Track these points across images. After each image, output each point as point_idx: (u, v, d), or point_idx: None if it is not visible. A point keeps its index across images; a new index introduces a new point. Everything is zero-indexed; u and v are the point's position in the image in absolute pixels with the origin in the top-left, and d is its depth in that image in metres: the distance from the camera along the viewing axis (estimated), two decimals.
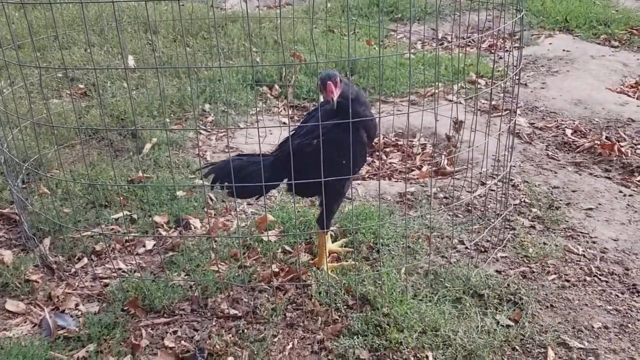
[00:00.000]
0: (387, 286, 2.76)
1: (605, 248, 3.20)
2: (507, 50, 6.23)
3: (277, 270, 2.96)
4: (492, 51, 6.48)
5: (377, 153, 4.31)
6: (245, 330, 2.59)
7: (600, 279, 2.97)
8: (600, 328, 2.64)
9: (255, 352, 2.47)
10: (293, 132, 2.73)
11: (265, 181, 2.56)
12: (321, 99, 2.62)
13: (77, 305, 2.78)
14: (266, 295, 2.80)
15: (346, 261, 3.01)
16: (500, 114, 4.69)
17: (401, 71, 5.30)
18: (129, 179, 3.74)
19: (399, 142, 4.43)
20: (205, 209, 3.50)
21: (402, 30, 7.14)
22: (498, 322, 2.63)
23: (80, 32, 6.03)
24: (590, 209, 3.58)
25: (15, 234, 3.31)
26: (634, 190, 3.81)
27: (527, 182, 3.85)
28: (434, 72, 5.41)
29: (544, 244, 3.21)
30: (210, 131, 4.62)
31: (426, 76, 5.35)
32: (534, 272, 2.99)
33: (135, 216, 3.41)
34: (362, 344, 2.50)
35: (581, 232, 3.34)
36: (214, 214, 3.50)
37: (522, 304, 2.75)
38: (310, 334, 2.59)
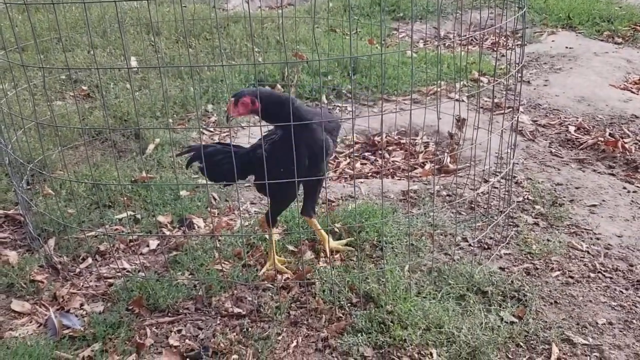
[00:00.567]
0: (391, 284, 2.76)
1: (609, 244, 3.20)
2: (509, 48, 6.23)
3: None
4: (495, 49, 6.48)
5: (380, 151, 4.31)
6: (250, 329, 2.60)
7: (604, 275, 2.96)
8: (604, 324, 2.64)
9: (260, 351, 2.47)
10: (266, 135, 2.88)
11: (234, 171, 2.60)
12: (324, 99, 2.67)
13: (82, 305, 2.79)
14: (270, 294, 2.81)
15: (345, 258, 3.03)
16: (502, 111, 4.68)
17: (403, 70, 5.30)
18: (133, 179, 3.75)
19: (402, 141, 4.43)
20: (209, 209, 3.50)
21: (404, 29, 7.14)
22: (502, 319, 2.63)
23: (83, 34, 6.05)
24: (594, 205, 3.58)
25: (20, 234, 3.33)
26: (637, 187, 3.80)
27: (530, 179, 3.85)
28: (436, 71, 5.40)
29: (548, 240, 3.20)
30: (213, 131, 4.63)
31: (428, 74, 5.35)
32: (537, 268, 2.99)
33: (139, 216, 3.42)
34: (366, 342, 2.50)
35: (585, 229, 3.33)
36: (217, 214, 3.51)
37: (526, 300, 2.75)
38: (314, 332, 2.60)
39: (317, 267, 2.96)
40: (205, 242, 3.19)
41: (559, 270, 2.98)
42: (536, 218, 3.43)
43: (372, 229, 3.20)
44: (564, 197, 3.66)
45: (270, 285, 2.86)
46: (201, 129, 4.58)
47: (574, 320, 2.66)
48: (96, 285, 2.93)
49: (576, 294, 2.82)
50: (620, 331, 2.60)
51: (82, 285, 2.92)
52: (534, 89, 5.52)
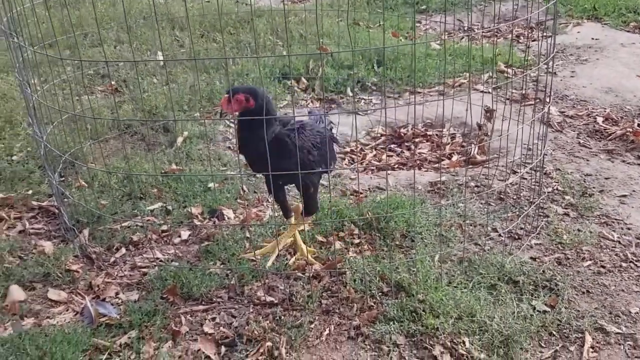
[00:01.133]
0: (422, 273, 2.77)
1: None
2: (534, 40, 6.19)
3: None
4: (522, 40, 6.43)
5: (406, 143, 4.32)
6: (282, 317, 2.63)
7: (636, 264, 2.94)
8: (637, 313, 2.62)
9: (293, 338, 2.50)
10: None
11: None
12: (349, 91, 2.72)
13: (117, 293, 2.84)
14: (301, 283, 2.84)
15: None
16: (529, 103, 4.66)
17: (428, 62, 5.29)
18: (163, 171, 3.80)
19: (428, 132, 4.42)
20: (238, 200, 3.54)
21: (428, 22, 7.12)
22: (534, 308, 2.63)
23: (109, 29, 6.12)
24: (624, 195, 3.55)
25: (54, 225, 3.39)
26: None
27: (559, 169, 3.83)
28: (462, 63, 5.39)
29: (578, 230, 3.19)
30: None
31: (455, 66, 5.33)
32: (568, 258, 2.98)
33: (170, 207, 3.47)
34: (399, 330, 2.52)
35: (615, 219, 3.31)
36: (247, 205, 3.55)
37: (557, 290, 2.74)
38: (346, 320, 2.62)
39: (347, 257, 2.98)
40: (235, 233, 3.22)
41: (590, 260, 2.97)
42: (566, 208, 3.41)
43: (400, 219, 3.21)
44: (593, 187, 3.63)
45: (301, 275, 2.89)
46: (230, 120, 4.62)
47: (607, 310, 2.65)
48: (130, 275, 2.98)
49: (608, 284, 2.81)
50: None
51: (117, 275, 2.98)
52: (561, 80, 5.47)
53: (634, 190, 3.60)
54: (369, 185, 3.71)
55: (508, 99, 4.72)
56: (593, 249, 3.04)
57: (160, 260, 3.04)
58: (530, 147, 3.55)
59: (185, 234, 3.27)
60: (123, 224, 3.31)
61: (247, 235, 3.22)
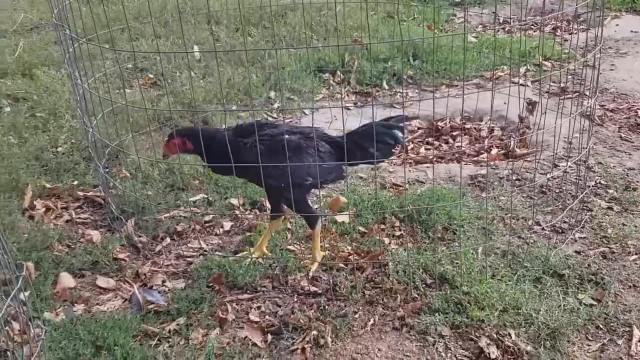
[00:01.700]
0: (465, 266, 2.78)
1: None
2: (571, 33, 6.10)
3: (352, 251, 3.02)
4: (559, 33, 6.34)
5: (444, 137, 4.31)
6: (327, 307, 2.65)
7: None
8: None
9: (338, 327, 2.53)
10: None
11: None
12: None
13: (163, 281, 2.90)
14: (344, 274, 2.86)
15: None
16: (569, 96, 4.60)
17: (465, 55, 5.26)
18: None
19: (466, 126, 4.40)
20: None
21: (462, 15, 7.06)
22: (580, 302, 2.62)
23: (146, 24, 6.21)
24: None
25: (99, 215, 3.47)
26: None
27: (601, 163, 3.78)
28: (500, 56, 5.35)
29: (623, 224, 3.15)
30: (276, 117, 4.69)
31: (491, 59, 5.29)
32: (614, 252, 2.95)
33: (211, 199, 3.52)
34: (444, 321, 2.53)
35: None
36: None
37: (604, 283, 2.72)
38: (390, 311, 2.64)
39: (389, 248, 2.99)
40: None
41: (636, 254, 2.94)
42: (610, 202, 3.37)
43: (442, 212, 3.21)
44: (637, 181, 3.58)
45: (343, 266, 2.91)
46: (266, 115, 4.66)
47: None
48: (176, 264, 3.03)
49: None
50: None
51: (162, 264, 3.04)
52: (600, 73, 5.34)
53: None
54: (408, 178, 3.71)
55: (547, 92, 4.67)
56: (639, 243, 3.01)
57: (205, 250, 3.09)
58: (571, 140, 3.52)
59: (227, 224, 3.32)
60: (167, 215, 3.37)
61: (289, 226, 3.26)
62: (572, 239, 3.06)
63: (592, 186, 3.52)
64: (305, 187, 2.76)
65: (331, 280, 2.81)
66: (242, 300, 2.74)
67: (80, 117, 3.50)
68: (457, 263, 2.82)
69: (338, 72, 5.33)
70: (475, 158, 3.98)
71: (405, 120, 2.89)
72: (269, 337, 2.53)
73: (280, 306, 2.70)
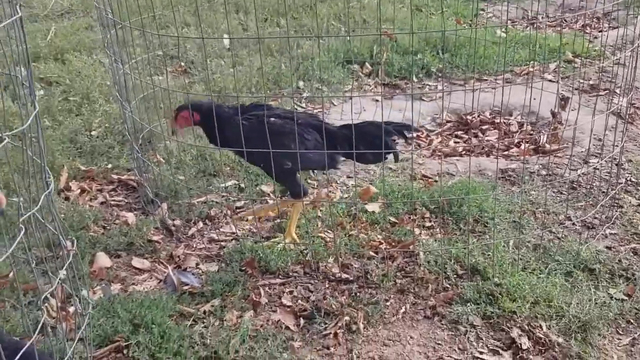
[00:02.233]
0: (497, 257, 2.80)
1: None
2: (600, 30, 6.05)
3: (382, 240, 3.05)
4: (588, 30, 6.30)
5: (473, 130, 4.31)
6: (358, 294, 2.69)
7: None
8: None
9: (370, 314, 2.57)
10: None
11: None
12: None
13: (197, 264, 2.95)
14: (375, 262, 2.89)
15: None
16: (600, 94, 4.58)
17: (494, 50, 5.25)
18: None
19: (496, 120, 4.40)
20: (308, 180, 3.61)
21: (491, 9, 7.03)
22: (611, 296, 2.63)
23: (176, 12, 6.26)
24: None
25: (133, 198, 3.53)
26: None
27: (631, 161, 3.77)
28: (529, 51, 5.33)
29: None
30: (305, 107, 4.73)
31: (521, 54, 5.27)
32: None
33: (242, 185, 3.57)
34: (475, 311, 2.56)
35: None
36: (317, 185, 3.62)
37: (634, 279, 2.73)
38: (422, 300, 2.67)
39: (420, 239, 3.02)
40: (307, 212, 3.30)
41: None
42: None
43: (473, 204, 3.22)
44: None
45: (374, 255, 2.94)
46: (295, 104, 4.69)
47: None
48: (209, 247, 3.09)
49: None
50: None
51: (196, 247, 3.09)
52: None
53: None
54: (437, 171, 3.73)
55: (577, 88, 4.66)
56: None
57: (237, 235, 3.14)
58: (601, 137, 3.51)
59: None
60: (200, 199, 3.43)
61: (319, 214, 3.29)
62: (602, 234, 3.06)
63: (622, 183, 3.52)
64: (286, 170, 2.84)
65: (362, 268, 2.85)
66: (274, 284, 2.79)
67: (117, 101, 3.55)
68: (488, 255, 2.85)
69: (366, 64, 5.35)
70: (505, 152, 3.98)
71: (407, 128, 2.96)
72: (302, 321, 2.58)
73: (312, 292, 2.74)
